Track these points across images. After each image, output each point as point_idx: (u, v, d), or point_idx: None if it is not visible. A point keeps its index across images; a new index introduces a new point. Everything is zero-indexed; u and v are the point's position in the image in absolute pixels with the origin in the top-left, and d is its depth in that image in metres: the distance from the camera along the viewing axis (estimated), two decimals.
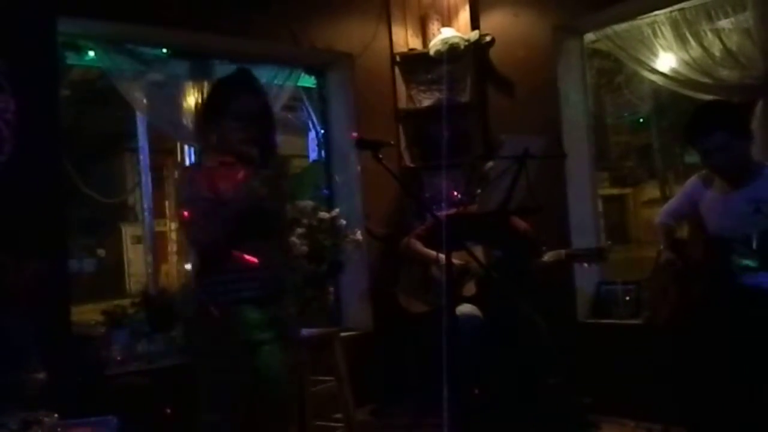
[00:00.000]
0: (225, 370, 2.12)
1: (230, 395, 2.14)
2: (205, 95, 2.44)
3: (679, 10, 3.53)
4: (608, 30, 3.82)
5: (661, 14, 3.60)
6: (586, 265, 3.45)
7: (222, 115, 2.18)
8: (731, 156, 2.48)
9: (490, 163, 3.01)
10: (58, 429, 2.13)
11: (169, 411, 3.10)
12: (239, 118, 2.16)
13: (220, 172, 2.15)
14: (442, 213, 3.55)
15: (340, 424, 3.50)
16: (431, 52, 4.24)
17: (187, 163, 4.08)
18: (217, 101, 2.23)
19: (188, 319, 2.28)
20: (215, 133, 2.21)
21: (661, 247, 2.83)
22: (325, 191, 4.32)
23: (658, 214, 2.94)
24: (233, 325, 2.13)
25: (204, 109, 2.34)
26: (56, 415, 2.15)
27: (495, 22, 4.21)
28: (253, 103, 2.19)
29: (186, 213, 2.13)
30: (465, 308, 3.33)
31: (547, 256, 3.34)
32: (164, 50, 3.70)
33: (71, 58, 3.46)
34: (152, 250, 4.02)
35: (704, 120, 2.54)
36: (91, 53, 3.49)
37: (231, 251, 2.14)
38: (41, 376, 2.35)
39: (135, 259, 9.85)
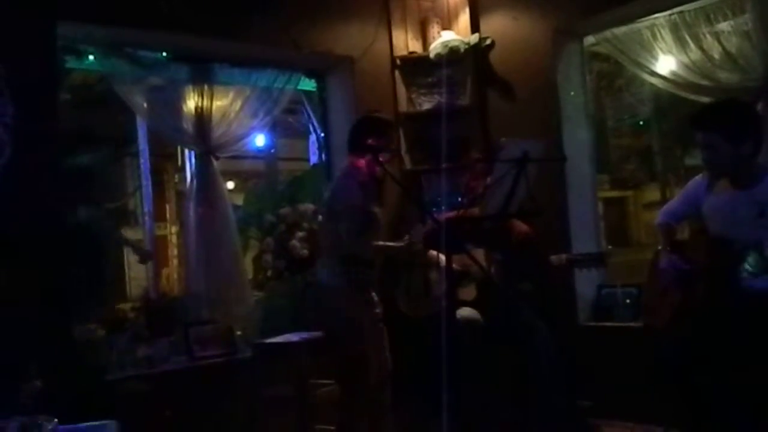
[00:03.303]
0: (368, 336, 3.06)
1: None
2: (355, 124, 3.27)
3: (679, 13, 3.53)
4: (608, 33, 3.82)
5: (660, 17, 3.60)
6: (586, 270, 3.44)
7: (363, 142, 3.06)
8: (719, 156, 2.48)
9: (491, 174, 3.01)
10: None
11: (169, 415, 3.09)
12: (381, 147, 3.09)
13: None
14: (443, 216, 3.54)
15: None
16: (431, 56, 4.24)
17: (188, 167, 4.07)
18: (362, 131, 3.11)
19: (341, 290, 3.04)
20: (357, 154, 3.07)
21: (659, 247, 2.81)
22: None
23: (659, 214, 2.93)
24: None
25: (351, 134, 3.17)
26: (56, 420, 2.15)
27: (495, 25, 4.21)
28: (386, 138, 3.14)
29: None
30: (465, 312, 3.32)
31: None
32: (164, 54, 3.70)
33: (71, 62, 3.46)
34: (153, 254, 4.02)
35: (702, 117, 2.58)
36: (91, 57, 3.49)
37: None
38: (39, 382, 2.35)
39: (135, 263, 9.82)
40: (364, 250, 3.04)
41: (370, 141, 3.04)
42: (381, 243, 3.14)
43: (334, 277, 3.08)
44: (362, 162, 3.08)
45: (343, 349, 3.08)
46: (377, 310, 3.18)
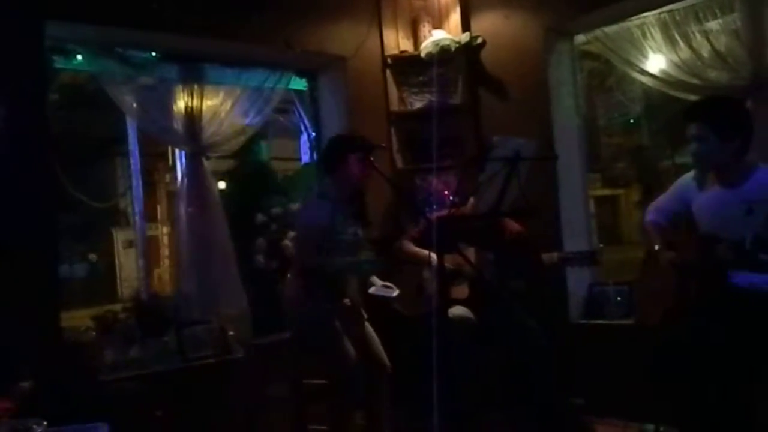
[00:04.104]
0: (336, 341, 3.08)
1: None
2: (329, 144, 3.29)
3: (668, 11, 3.54)
4: (598, 32, 3.83)
5: (650, 16, 3.61)
6: (578, 267, 3.46)
7: (343, 160, 3.06)
8: (707, 148, 2.49)
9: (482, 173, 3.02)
10: None
11: (160, 416, 3.08)
12: (361, 164, 3.07)
13: None
14: (434, 215, 3.55)
15: None
16: (422, 55, 4.23)
17: (179, 167, 4.05)
18: (342, 149, 3.10)
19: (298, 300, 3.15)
20: (336, 172, 3.09)
21: (656, 247, 2.80)
22: None
23: (646, 212, 2.93)
24: None
25: (329, 154, 3.18)
26: (45, 423, 2.14)
27: (486, 24, 4.21)
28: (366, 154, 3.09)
29: None
30: (458, 310, 3.33)
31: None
32: (153, 53, 3.68)
33: (59, 62, 3.43)
34: (144, 255, 4.01)
35: (693, 108, 2.61)
36: (80, 57, 3.47)
37: None
38: (29, 384, 2.34)
39: (127, 263, 9.79)
40: (325, 266, 3.04)
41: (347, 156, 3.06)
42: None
43: (292, 289, 3.17)
44: (339, 176, 3.09)
45: (308, 355, 3.17)
46: (350, 315, 3.17)
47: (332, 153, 3.18)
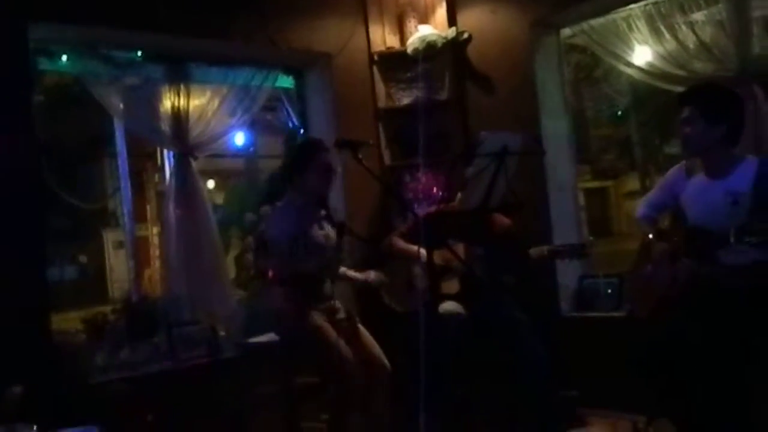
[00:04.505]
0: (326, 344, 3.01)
1: None
2: (292, 152, 3.36)
3: (654, 3, 3.55)
4: (584, 25, 3.84)
5: (635, 8, 3.62)
6: (568, 260, 3.47)
7: (308, 167, 3.04)
8: (694, 132, 2.52)
9: (470, 168, 3.02)
10: None
11: (151, 418, 3.07)
12: (325, 170, 3.05)
13: None
14: (423, 211, 3.55)
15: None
16: (409, 51, 4.23)
17: (167, 167, 4.03)
18: (306, 156, 3.07)
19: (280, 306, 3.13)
20: (302, 179, 3.06)
21: (650, 236, 2.83)
22: None
23: (638, 207, 2.95)
24: None
25: (293, 161, 3.15)
26: (35, 427, 2.13)
27: (472, 19, 4.21)
28: (329, 159, 3.07)
29: None
30: (448, 306, 3.34)
31: (530, 252, 3.36)
32: (138, 53, 3.66)
33: (43, 64, 3.40)
34: (134, 256, 3.98)
35: (686, 92, 2.66)
36: (64, 58, 3.44)
37: None
38: (18, 389, 2.33)
39: (117, 264, 9.75)
40: (302, 269, 3.02)
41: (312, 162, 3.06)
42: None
43: (273, 294, 3.15)
44: (302, 183, 3.07)
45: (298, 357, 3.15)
46: (339, 317, 3.14)
47: (293, 161, 3.17)
